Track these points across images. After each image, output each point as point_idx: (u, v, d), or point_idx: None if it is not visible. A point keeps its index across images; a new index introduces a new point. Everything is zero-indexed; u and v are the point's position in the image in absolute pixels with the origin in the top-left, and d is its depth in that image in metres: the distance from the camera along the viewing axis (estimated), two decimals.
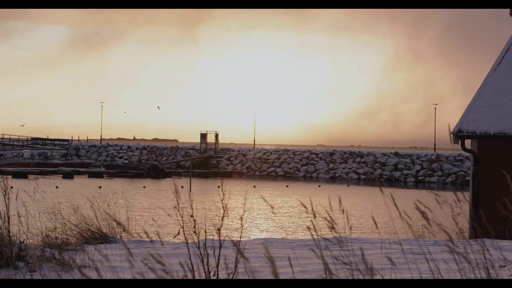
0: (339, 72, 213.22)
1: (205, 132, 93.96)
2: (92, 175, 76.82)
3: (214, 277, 5.57)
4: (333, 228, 4.75)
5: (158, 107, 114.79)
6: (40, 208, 11.00)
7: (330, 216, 4.71)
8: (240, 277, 5.70)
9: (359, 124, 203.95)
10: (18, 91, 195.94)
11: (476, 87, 19.16)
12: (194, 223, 5.77)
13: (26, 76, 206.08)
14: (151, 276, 4.31)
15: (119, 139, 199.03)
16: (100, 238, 11.04)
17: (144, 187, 60.39)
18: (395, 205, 4.64)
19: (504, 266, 4.85)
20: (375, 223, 4.84)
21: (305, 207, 4.84)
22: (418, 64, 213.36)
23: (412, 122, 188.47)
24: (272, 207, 5.48)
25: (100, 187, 48.32)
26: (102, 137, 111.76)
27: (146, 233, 4.44)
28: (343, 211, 4.76)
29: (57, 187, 49.99)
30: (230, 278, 5.63)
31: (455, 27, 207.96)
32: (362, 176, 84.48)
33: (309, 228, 4.77)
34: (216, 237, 5.86)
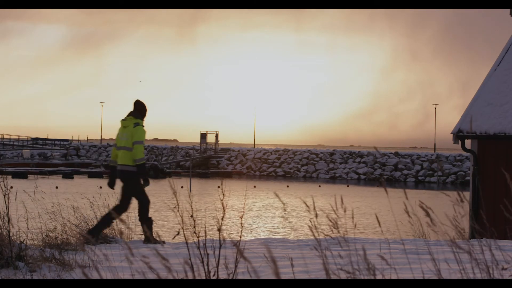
0: (338, 72, 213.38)
1: (205, 132, 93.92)
2: (92, 175, 76.77)
3: (214, 277, 5.56)
4: (335, 227, 4.74)
5: None
6: (40, 208, 10.99)
7: (336, 215, 4.70)
8: (240, 277, 5.69)
9: (358, 124, 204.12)
10: (17, 91, 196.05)
11: (473, 88, 19.26)
12: (194, 223, 5.77)
13: (25, 76, 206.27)
14: (150, 276, 4.30)
15: None
16: (100, 238, 11.03)
17: None
18: (410, 200, 4.63)
19: (506, 269, 4.84)
20: (378, 222, 4.83)
21: (308, 206, 4.83)
22: (416, 64, 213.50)
23: (410, 122, 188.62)
24: (284, 205, 5.47)
25: (100, 187, 48.26)
26: (102, 137, 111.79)
27: (139, 235, 4.44)
28: (344, 210, 4.75)
29: (57, 187, 49.94)
30: (230, 278, 5.63)
31: (453, 28, 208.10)
32: (362, 176, 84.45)
33: (310, 227, 4.77)
34: (216, 237, 5.85)
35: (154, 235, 11.30)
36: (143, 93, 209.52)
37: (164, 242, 10.89)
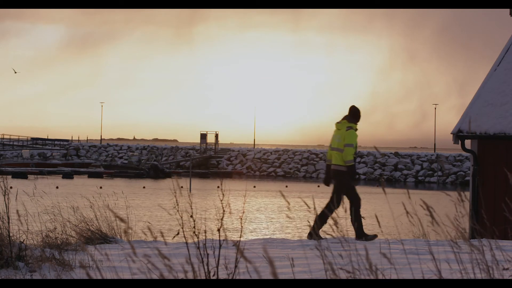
0: (336, 72, 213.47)
1: (205, 132, 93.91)
2: (91, 175, 76.77)
3: (214, 277, 5.56)
4: (335, 227, 4.74)
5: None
6: (40, 208, 10.98)
7: (337, 215, 4.69)
8: (241, 277, 5.68)
9: (357, 124, 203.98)
10: (17, 91, 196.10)
11: (471, 88, 19.32)
12: (194, 223, 5.76)
13: (24, 76, 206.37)
14: (152, 275, 4.29)
15: (119, 139, 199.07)
16: (100, 238, 11.03)
17: (144, 187, 60.35)
18: (404, 205, 4.62)
19: (507, 269, 4.84)
20: (378, 222, 4.83)
21: (308, 206, 4.83)
22: (414, 64, 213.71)
23: (409, 122, 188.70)
24: (289, 204, 5.46)
25: (101, 187, 48.27)
26: (102, 137, 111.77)
27: (145, 233, 4.43)
28: (345, 210, 4.76)
29: (57, 187, 49.95)
30: (230, 278, 5.62)
31: (451, 28, 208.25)
32: (362, 176, 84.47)
33: (310, 227, 4.76)
34: (216, 237, 5.85)
35: (157, 233, 11.29)
36: (143, 93, 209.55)
37: (375, 236, 11.15)
